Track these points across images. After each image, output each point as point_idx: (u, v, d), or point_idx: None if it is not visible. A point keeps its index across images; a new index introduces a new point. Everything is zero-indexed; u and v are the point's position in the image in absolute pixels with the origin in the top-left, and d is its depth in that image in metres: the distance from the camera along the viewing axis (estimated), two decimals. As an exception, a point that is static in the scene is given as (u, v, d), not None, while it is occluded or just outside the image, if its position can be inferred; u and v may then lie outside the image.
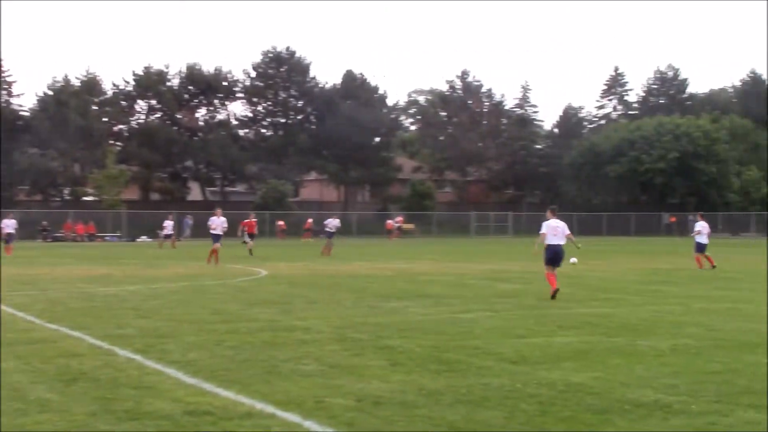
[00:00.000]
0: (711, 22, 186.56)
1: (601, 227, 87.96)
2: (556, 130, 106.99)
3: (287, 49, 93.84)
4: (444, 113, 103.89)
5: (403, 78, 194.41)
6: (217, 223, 34.97)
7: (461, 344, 12.58)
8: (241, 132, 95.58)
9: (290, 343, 12.74)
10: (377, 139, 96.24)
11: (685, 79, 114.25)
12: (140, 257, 41.42)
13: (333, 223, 44.12)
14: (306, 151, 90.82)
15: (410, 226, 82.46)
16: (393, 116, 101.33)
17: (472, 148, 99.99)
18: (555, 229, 20.10)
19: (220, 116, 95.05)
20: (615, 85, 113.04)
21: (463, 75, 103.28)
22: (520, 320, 15.56)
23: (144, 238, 71.92)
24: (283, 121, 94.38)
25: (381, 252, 47.90)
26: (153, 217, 76.50)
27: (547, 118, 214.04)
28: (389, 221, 79.31)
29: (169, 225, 55.22)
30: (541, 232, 20.33)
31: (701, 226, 32.60)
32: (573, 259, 25.59)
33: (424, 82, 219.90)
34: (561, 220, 20.45)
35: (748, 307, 17.87)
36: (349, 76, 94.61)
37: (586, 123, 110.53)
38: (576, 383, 9.64)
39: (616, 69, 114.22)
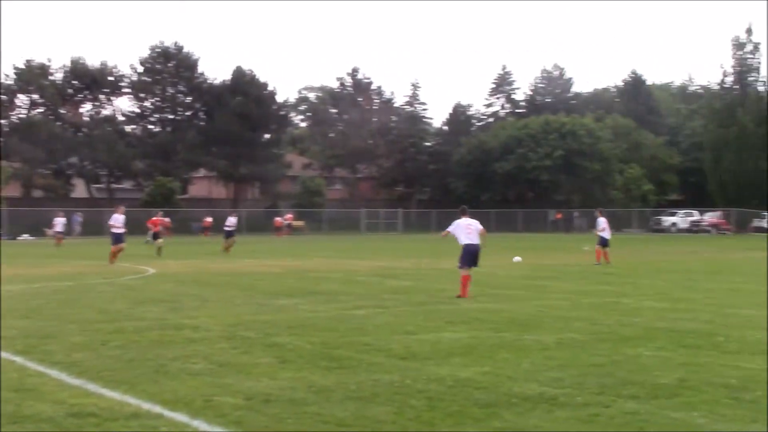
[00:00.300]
0: (594, 23, 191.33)
1: (489, 224, 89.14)
2: (445, 128, 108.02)
3: (175, 44, 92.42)
4: (334, 110, 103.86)
5: (293, 75, 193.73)
6: (121, 221, 32.83)
7: (351, 341, 12.61)
8: (128, 128, 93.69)
9: (179, 341, 12.58)
10: (267, 136, 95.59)
11: (570, 79, 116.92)
12: (23, 256, 40.23)
13: (232, 221, 43.08)
14: (195, 147, 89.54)
15: (300, 223, 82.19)
16: (283, 113, 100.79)
17: (362, 145, 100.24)
18: (468, 228, 19.69)
19: (106, 112, 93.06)
20: (503, 83, 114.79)
21: (353, 72, 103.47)
22: (409, 317, 15.68)
23: (26, 236, 69.90)
24: (171, 117, 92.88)
25: (271, 249, 47.62)
26: (36, 214, 74.48)
27: (437, 115, 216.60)
28: (278, 218, 78.90)
29: (59, 222, 53.37)
30: (446, 230, 20.23)
31: (604, 222, 33.11)
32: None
33: (314, 79, 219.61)
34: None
35: (630, 302, 18.39)
36: (238, 73, 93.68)
37: (474, 121, 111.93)
38: (464, 378, 9.77)
39: (504, 68, 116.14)
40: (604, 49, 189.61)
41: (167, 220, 60.38)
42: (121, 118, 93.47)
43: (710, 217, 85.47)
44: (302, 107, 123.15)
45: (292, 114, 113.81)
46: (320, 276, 26.32)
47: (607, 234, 32.74)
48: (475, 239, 19.55)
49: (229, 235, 41.99)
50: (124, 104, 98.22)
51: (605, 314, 16.00)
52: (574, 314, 16.00)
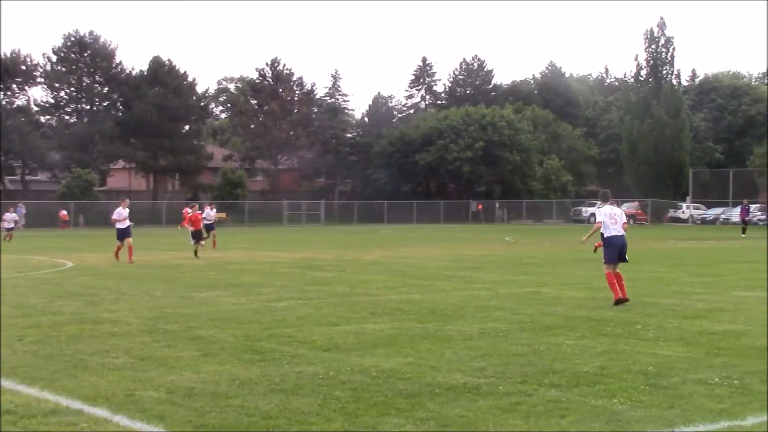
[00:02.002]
0: (513, 14, 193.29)
1: (411, 215, 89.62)
2: (366, 119, 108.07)
3: (90, 33, 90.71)
4: (254, 101, 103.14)
5: (212, 65, 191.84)
6: (125, 214, 29.83)
7: (274, 333, 12.56)
8: (43, 119, 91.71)
9: (98, 335, 12.38)
10: (187, 127, 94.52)
11: (491, 71, 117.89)
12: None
13: (210, 213, 39.90)
14: (112, 138, 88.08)
15: (222, 214, 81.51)
16: (203, 104, 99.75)
17: (283, 136, 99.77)
18: (613, 218, 16.61)
19: (19, 102, 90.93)
20: (423, 75, 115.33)
21: (274, 63, 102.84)
22: (332, 308, 15.67)
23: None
24: (87, 107, 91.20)
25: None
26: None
27: (358, 107, 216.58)
28: (186, 209, 78.18)
29: (9, 217, 48.35)
30: (597, 220, 16.99)
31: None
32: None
33: (234, 69, 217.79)
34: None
35: (550, 291, 18.63)
36: (156, 62, 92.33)
37: (395, 112, 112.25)
38: (387, 369, 9.80)
39: (424, 59, 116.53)
40: (522, 41, 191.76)
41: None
42: (35, 108, 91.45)
43: (627, 207, 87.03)
44: (222, 98, 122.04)
45: (212, 105, 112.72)
46: (242, 268, 26.14)
47: None
48: (620, 230, 16.53)
49: (209, 228, 37.94)
50: (38, 94, 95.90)
51: (526, 304, 16.19)
52: (496, 304, 16.15)
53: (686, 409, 7.96)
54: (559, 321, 13.78)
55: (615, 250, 16.29)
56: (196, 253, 31.52)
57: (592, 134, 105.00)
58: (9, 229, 47.82)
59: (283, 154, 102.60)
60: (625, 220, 16.91)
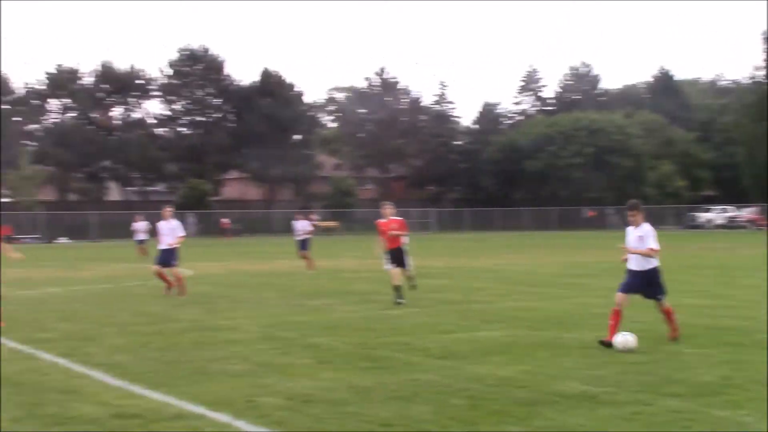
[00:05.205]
0: (621, 19, 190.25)
1: (521, 222, 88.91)
2: (474, 126, 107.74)
3: (202, 46, 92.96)
4: (363, 110, 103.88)
5: (320, 76, 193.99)
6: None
7: (388, 341, 12.62)
8: (159, 131, 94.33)
9: (217, 343, 12.65)
10: (296, 137, 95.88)
11: (598, 75, 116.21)
12: (60, 259, 40.59)
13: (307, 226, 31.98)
14: (225, 149, 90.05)
15: (333, 223, 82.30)
16: (311, 114, 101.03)
17: (392, 145, 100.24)
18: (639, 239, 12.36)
19: (136, 115, 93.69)
20: (531, 81, 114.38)
21: (381, 72, 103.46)
22: (444, 315, 15.68)
23: (64, 239, 70.59)
24: (201, 119, 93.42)
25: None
26: (72, 217, 75.34)
27: (464, 114, 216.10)
28: (223, 219, 79.18)
29: (141, 227, 41.44)
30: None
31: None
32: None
33: (341, 79, 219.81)
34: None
35: (669, 299, 18.17)
36: (266, 74, 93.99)
37: (503, 119, 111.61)
38: (504, 377, 9.75)
39: (531, 66, 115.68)
40: (631, 45, 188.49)
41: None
42: (152, 120, 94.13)
43: (747, 212, 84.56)
44: (330, 108, 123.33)
45: (321, 115, 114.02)
46: (354, 276, 26.36)
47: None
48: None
49: (303, 246, 29.99)
50: (154, 107, 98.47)
51: (644, 312, 15.86)
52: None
53: (816, 421, 7.70)
54: (692, 331, 13.42)
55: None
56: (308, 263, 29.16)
57: (705, 138, 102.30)
58: (141, 241, 41.16)
59: (392, 162, 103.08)
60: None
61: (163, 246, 21.01)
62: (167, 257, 20.90)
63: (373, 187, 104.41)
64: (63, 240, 70.51)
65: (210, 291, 21.73)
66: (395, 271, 18.26)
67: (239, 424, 7.84)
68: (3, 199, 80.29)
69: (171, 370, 10.47)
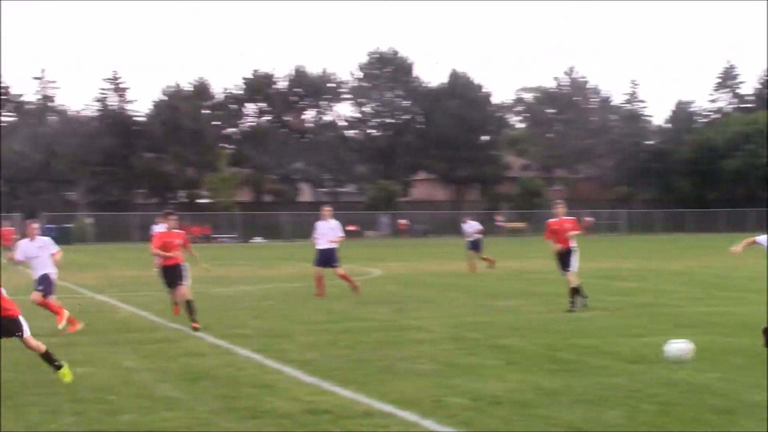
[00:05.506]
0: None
1: (717, 224, 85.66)
2: (667, 125, 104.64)
3: (391, 49, 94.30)
4: (551, 110, 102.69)
5: (508, 76, 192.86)
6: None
7: (576, 343, 12.46)
8: (350, 133, 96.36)
9: (404, 342, 12.81)
10: (484, 138, 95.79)
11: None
12: (255, 258, 42.04)
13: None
14: (414, 150, 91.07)
15: (521, 224, 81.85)
16: (499, 114, 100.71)
17: (582, 145, 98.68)
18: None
19: (328, 118, 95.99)
20: (728, 78, 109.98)
21: (570, 71, 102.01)
22: (634, 318, 15.35)
23: (258, 239, 73.09)
24: (390, 121, 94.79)
25: (489, 252, 47.51)
26: (266, 217, 77.97)
27: (657, 113, 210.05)
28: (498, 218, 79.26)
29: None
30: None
31: None
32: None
33: (530, 79, 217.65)
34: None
35: None
36: (454, 75, 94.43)
37: (697, 117, 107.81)
38: (698, 383, 9.45)
39: (729, 62, 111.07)
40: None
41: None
42: (343, 123, 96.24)
43: None
44: (519, 108, 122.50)
45: (509, 115, 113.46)
46: (541, 277, 26.11)
47: None
48: None
49: (474, 246, 30.44)
50: (344, 110, 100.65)
51: None
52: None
53: None
54: None
55: None
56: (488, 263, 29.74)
57: None
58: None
59: (582, 162, 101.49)
60: None
61: (321, 246, 20.83)
62: (327, 258, 20.72)
63: (562, 187, 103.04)
64: (258, 240, 72.98)
65: (397, 290, 22.04)
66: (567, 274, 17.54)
67: (427, 423, 7.92)
68: (203, 200, 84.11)
69: (359, 368, 10.68)
